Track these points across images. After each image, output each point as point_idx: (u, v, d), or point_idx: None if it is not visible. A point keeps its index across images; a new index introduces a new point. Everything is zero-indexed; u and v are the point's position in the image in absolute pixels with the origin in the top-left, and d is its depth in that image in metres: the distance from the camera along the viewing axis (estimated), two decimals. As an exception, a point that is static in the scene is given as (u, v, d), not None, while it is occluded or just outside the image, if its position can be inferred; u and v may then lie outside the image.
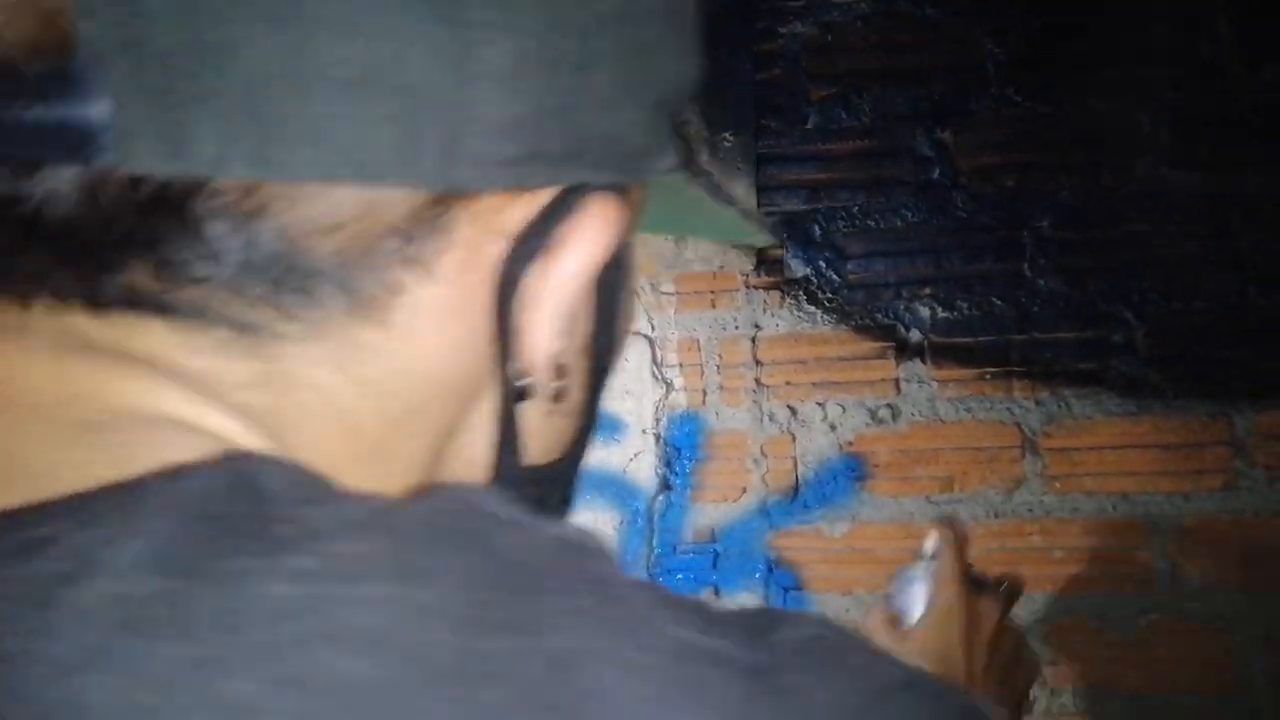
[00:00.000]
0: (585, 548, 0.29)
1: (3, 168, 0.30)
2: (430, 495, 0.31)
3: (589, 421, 0.42)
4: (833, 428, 1.53)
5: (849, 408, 1.52)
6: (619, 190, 0.38)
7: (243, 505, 0.27)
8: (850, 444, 1.52)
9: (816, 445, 1.53)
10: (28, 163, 0.30)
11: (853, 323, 1.53)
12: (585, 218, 0.36)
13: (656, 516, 1.55)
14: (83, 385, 0.32)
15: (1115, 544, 1.48)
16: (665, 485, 1.58)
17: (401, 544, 0.27)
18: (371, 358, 0.33)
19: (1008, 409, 1.49)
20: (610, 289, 0.40)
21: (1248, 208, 1.44)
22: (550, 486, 0.41)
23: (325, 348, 0.33)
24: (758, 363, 1.55)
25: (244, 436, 0.32)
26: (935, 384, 1.51)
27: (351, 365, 0.33)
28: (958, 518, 0.89)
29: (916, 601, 1.09)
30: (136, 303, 0.32)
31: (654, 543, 1.55)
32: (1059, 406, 1.49)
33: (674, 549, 1.56)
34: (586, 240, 0.36)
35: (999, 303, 1.50)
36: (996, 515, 1.49)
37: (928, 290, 1.51)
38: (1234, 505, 1.46)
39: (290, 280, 0.32)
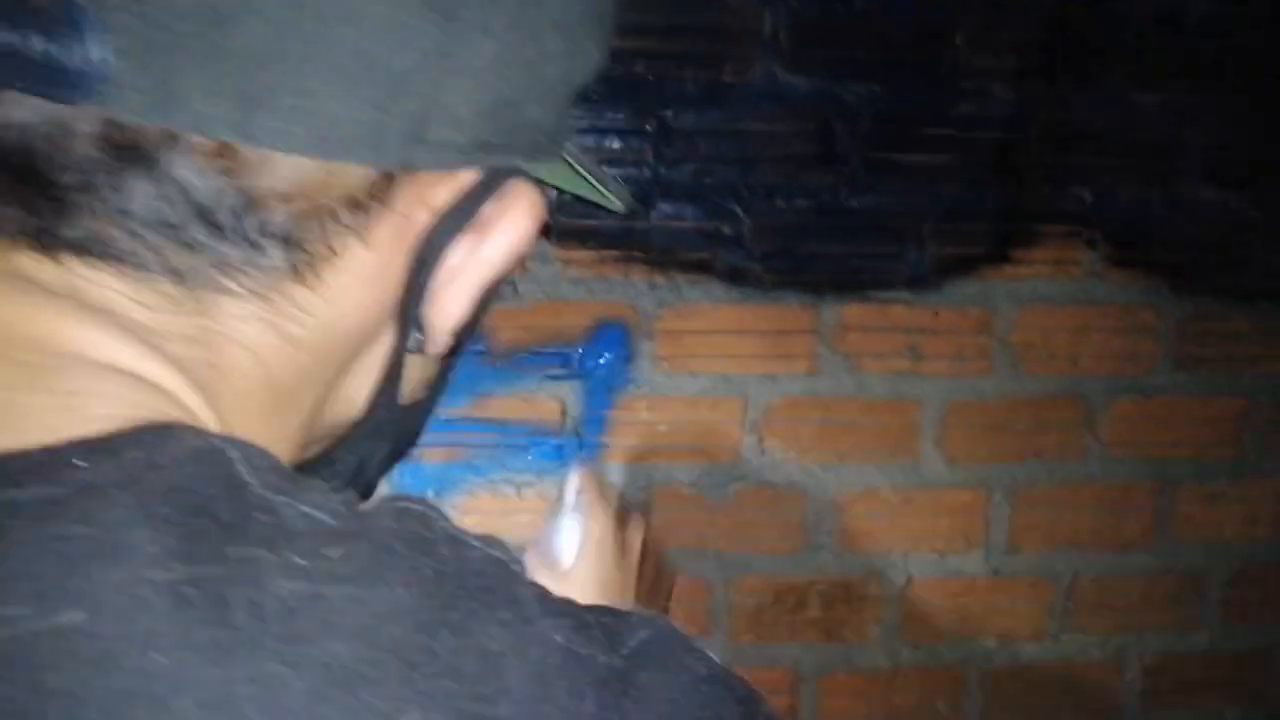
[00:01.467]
0: (508, 566, 0.34)
1: None
2: (386, 507, 0.34)
3: (449, 368, 0.46)
4: (458, 301, 1.53)
5: (475, 282, 1.53)
6: (534, 178, 0.40)
7: (222, 494, 0.30)
8: (474, 318, 1.54)
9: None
10: None
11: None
12: (512, 204, 0.39)
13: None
14: (36, 328, 0.32)
15: (712, 419, 1.61)
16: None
17: (374, 551, 0.31)
18: (299, 315, 0.36)
19: (625, 291, 1.56)
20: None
21: (848, 114, 1.55)
22: (412, 422, 0.46)
23: (260, 306, 0.35)
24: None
25: (181, 389, 0.34)
26: (559, 264, 1.54)
27: (281, 323, 0.36)
28: (593, 465, 0.91)
29: (568, 544, 1.14)
30: (90, 249, 0.32)
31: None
32: (672, 292, 1.57)
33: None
34: (515, 225, 0.39)
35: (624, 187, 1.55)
36: (609, 390, 1.57)
37: (558, 170, 1.52)
38: (815, 387, 1.62)
39: (241, 238, 0.33)
